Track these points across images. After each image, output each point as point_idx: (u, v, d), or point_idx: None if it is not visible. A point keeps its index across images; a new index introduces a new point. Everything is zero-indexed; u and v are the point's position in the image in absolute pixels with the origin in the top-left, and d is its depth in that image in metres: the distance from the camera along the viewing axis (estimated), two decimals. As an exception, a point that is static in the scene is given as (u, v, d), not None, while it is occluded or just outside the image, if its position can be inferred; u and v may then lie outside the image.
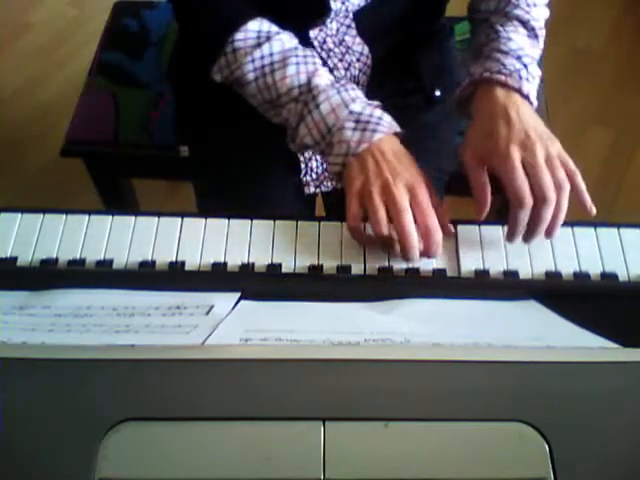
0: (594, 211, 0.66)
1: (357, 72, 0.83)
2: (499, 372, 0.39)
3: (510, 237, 0.65)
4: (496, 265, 0.65)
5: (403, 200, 0.63)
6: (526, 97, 0.69)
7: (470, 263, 0.66)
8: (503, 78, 0.68)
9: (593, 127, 1.73)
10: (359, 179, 0.65)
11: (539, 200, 0.63)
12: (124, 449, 0.35)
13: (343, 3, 0.74)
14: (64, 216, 0.68)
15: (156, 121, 1.08)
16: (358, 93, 0.69)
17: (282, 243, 0.67)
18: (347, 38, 0.80)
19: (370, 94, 0.86)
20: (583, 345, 0.48)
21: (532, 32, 0.74)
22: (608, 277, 0.64)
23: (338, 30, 0.78)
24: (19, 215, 0.68)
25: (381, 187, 0.63)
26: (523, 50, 0.72)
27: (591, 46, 1.91)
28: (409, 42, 0.86)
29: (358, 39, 0.80)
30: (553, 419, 0.36)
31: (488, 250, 0.67)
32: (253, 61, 0.69)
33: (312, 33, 0.77)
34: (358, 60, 0.82)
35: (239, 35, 0.69)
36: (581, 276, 0.64)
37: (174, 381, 0.38)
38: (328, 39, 0.79)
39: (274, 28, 0.70)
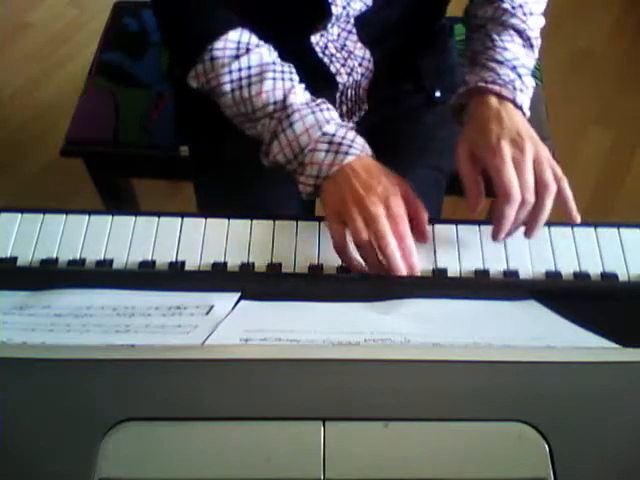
0: (578, 219, 0.66)
1: (359, 77, 0.83)
2: (499, 372, 0.39)
3: (496, 235, 0.65)
4: (496, 265, 0.66)
5: (376, 208, 0.62)
6: (519, 107, 0.69)
7: (470, 263, 0.66)
8: (497, 88, 0.69)
9: (593, 127, 1.73)
10: (334, 198, 0.65)
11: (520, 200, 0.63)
12: (124, 449, 0.35)
13: (344, 8, 0.74)
14: (64, 216, 0.68)
15: (156, 121, 1.08)
16: (333, 114, 0.69)
17: (282, 243, 0.67)
18: (348, 43, 0.79)
19: (370, 95, 0.87)
20: (583, 345, 0.48)
21: (528, 42, 0.75)
22: (608, 277, 0.64)
23: (339, 35, 0.78)
24: (19, 215, 0.68)
25: (355, 201, 0.63)
26: (518, 60, 0.72)
27: (591, 46, 1.91)
28: (411, 44, 0.86)
29: (359, 44, 0.80)
30: (553, 419, 0.36)
31: (488, 250, 0.67)
32: (230, 72, 0.69)
33: (313, 38, 0.77)
34: (360, 65, 0.82)
35: (218, 44, 0.69)
36: (581, 276, 0.64)
37: (174, 381, 0.38)
38: (330, 44, 0.78)
39: (254, 40, 0.70)
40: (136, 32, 1.19)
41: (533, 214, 0.64)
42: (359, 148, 0.67)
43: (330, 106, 0.70)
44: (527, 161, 0.64)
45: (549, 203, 0.64)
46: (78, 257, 0.65)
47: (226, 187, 0.86)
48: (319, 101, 0.69)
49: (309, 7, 0.74)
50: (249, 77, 0.69)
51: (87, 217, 0.68)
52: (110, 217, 0.68)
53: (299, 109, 0.67)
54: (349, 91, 0.85)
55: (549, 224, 0.68)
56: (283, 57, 0.72)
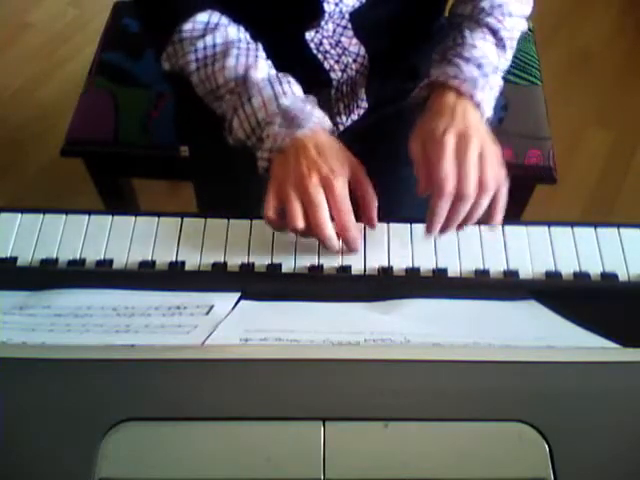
0: (496, 224, 0.65)
1: (354, 73, 0.83)
2: (499, 372, 0.39)
3: (429, 228, 0.64)
4: (496, 265, 0.65)
5: (315, 193, 0.62)
6: (477, 105, 0.69)
7: (470, 263, 0.66)
8: (457, 83, 0.69)
9: (593, 127, 1.73)
10: (279, 175, 0.65)
11: (458, 194, 0.62)
12: (124, 449, 0.35)
13: (337, 5, 0.74)
14: (64, 216, 0.68)
15: (156, 121, 1.08)
16: (294, 88, 0.69)
17: (282, 243, 0.67)
18: (343, 39, 0.79)
19: (369, 93, 0.87)
20: (583, 345, 0.48)
21: (501, 42, 0.74)
22: (608, 277, 0.64)
23: (334, 31, 0.78)
24: (19, 215, 0.68)
25: (296, 182, 0.63)
26: (486, 59, 0.72)
27: (591, 46, 1.91)
28: (408, 42, 0.86)
29: (354, 40, 0.80)
30: (553, 419, 0.36)
31: (488, 250, 0.67)
32: (196, 51, 0.69)
33: (308, 35, 0.77)
34: (354, 61, 0.81)
35: (187, 25, 0.69)
36: (581, 276, 0.64)
37: (174, 381, 0.38)
38: (324, 40, 0.78)
39: (224, 20, 0.71)
40: (136, 32, 1.19)
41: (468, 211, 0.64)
42: (315, 121, 0.66)
43: (292, 80, 0.69)
44: (470, 154, 0.63)
45: (485, 202, 0.63)
46: (78, 257, 0.65)
47: (226, 187, 0.86)
48: (281, 75, 0.69)
49: (301, 5, 0.74)
50: (214, 55, 0.69)
51: (87, 217, 0.68)
52: (110, 217, 0.68)
53: (257, 83, 0.67)
54: (344, 87, 0.85)
55: (549, 224, 0.68)
56: (277, 53, 0.72)
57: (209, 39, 0.69)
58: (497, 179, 0.64)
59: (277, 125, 0.66)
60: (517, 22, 0.76)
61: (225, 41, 0.69)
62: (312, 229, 0.62)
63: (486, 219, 0.65)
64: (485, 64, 0.71)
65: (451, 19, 0.79)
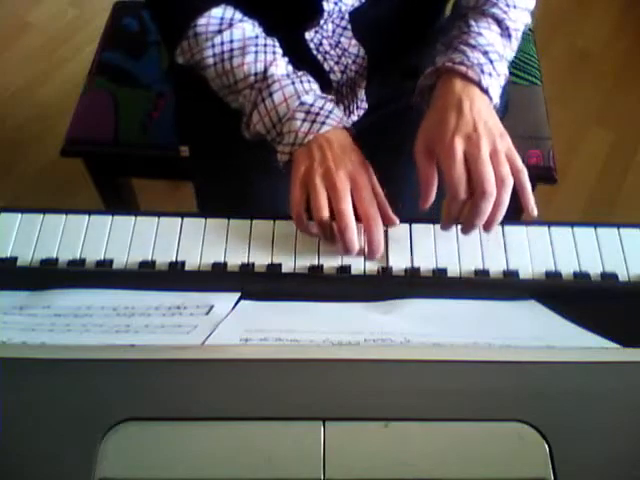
0: (535, 212, 0.65)
1: (353, 74, 0.83)
2: (499, 372, 0.39)
3: (444, 227, 0.67)
4: (496, 265, 0.66)
5: (343, 186, 0.64)
6: (485, 91, 0.69)
7: (470, 263, 0.66)
8: (464, 69, 0.68)
9: (593, 128, 1.73)
10: (304, 165, 0.66)
11: (478, 193, 0.63)
12: (124, 449, 0.35)
13: (336, 4, 0.74)
14: (64, 216, 0.68)
15: (156, 121, 1.08)
16: (313, 86, 0.70)
17: (282, 243, 0.67)
18: (343, 40, 0.79)
19: (370, 96, 0.87)
20: (583, 345, 0.48)
21: (506, 31, 0.74)
22: (608, 277, 0.64)
23: (334, 31, 0.78)
24: (19, 215, 0.68)
25: (323, 174, 0.65)
26: (492, 46, 0.72)
27: (591, 46, 1.91)
28: (408, 43, 0.86)
29: (354, 41, 0.80)
30: (553, 419, 0.36)
31: (488, 250, 0.67)
32: (213, 46, 0.70)
33: (308, 35, 0.77)
34: (354, 62, 0.81)
35: (202, 20, 0.70)
36: (581, 276, 0.64)
37: (174, 381, 0.38)
38: (324, 41, 0.78)
39: (238, 15, 0.71)
40: (136, 32, 1.19)
41: (492, 209, 0.64)
42: (336, 119, 0.68)
43: (311, 78, 0.71)
44: (483, 156, 0.63)
45: (506, 197, 0.64)
46: (78, 257, 0.65)
47: (226, 187, 0.86)
48: (300, 73, 0.71)
49: (300, 4, 0.74)
50: (231, 50, 0.70)
51: (87, 217, 0.68)
52: (110, 217, 0.68)
53: (279, 79, 0.69)
54: (344, 89, 0.85)
55: (549, 224, 0.68)
56: None
57: (226, 35, 0.70)
58: (514, 170, 0.65)
59: (299, 121, 0.67)
60: (521, 14, 0.76)
61: (243, 38, 0.70)
62: (337, 218, 0.63)
63: (520, 214, 0.66)
64: (491, 51, 0.71)
65: (455, 11, 0.79)
